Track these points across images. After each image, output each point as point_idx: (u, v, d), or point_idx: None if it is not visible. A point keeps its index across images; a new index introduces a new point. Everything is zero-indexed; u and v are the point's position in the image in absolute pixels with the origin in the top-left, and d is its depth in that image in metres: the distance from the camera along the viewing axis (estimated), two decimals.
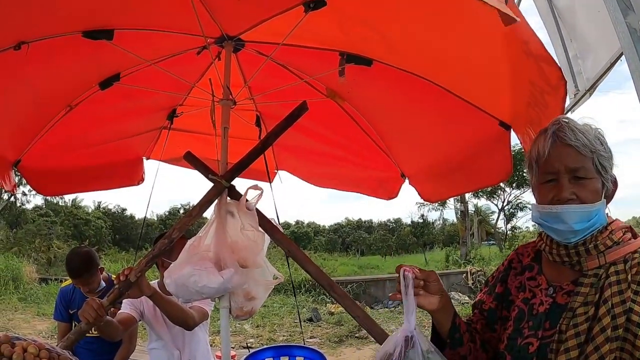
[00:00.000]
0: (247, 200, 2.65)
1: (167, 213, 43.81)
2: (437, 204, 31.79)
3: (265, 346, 3.95)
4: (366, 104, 3.47)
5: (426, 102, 3.03)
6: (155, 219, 43.02)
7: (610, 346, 1.37)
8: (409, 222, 43.51)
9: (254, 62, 2.95)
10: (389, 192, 4.39)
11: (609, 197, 1.59)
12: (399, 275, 1.61)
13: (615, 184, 1.60)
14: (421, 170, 3.88)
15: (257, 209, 2.68)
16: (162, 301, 2.75)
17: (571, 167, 1.51)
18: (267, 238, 2.75)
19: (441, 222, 42.26)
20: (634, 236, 1.57)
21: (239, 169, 2.68)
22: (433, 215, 40.09)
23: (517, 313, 1.66)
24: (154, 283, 3.36)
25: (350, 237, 50.62)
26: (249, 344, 8.59)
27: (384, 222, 55.12)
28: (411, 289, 1.57)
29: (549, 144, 1.54)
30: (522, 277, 1.74)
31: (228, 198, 2.68)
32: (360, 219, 55.82)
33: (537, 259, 1.74)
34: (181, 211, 43.34)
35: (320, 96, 3.32)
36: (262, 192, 2.66)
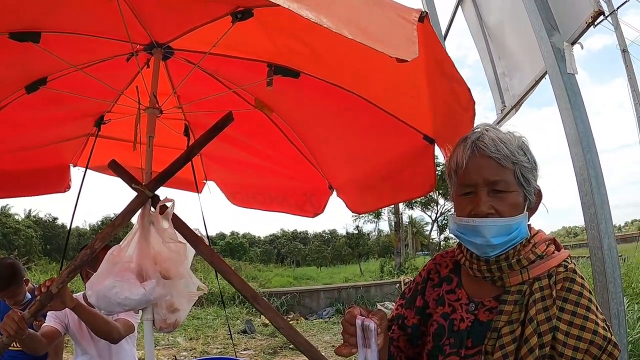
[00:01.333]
0: (163, 212, 2.60)
1: (99, 223, 42.34)
2: (371, 216, 32.17)
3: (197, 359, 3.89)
4: (294, 115, 3.49)
5: (353, 114, 3.07)
6: (88, 228, 41.48)
7: None
8: (344, 233, 43.75)
9: (183, 71, 2.92)
10: (315, 207, 4.39)
11: (532, 209, 1.53)
12: (356, 327, 1.36)
13: (539, 195, 1.53)
14: (349, 182, 3.92)
15: (180, 219, 2.64)
16: (85, 313, 2.68)
17: (490, 180, 1.43)
18: (191, 250, 2.72)
19: (376, 233, 42.76)
20: (558, 248, 1.53)
21: (163, 178, 2.63)
22: (368, 227, 40.45)
23: (437, 329, 1.58)
24: (78, 295, 3.26)
25: (286, 248, 50.42)
26: (181, 357, 8.41)
27: (320, 233, 55.22)
28: (375, 342, 1.35)
29: (468, 154, 1.46)
30: (439, 290, 1.65)
31: (152, 208, 2.63)
32: (295, 229, 55.70)
33: (456, 271, 1.66)
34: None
35: (249, 107, 3.31)
36: (173, 203, 2.60)
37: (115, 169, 2.68)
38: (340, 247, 45.24)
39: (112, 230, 2.56)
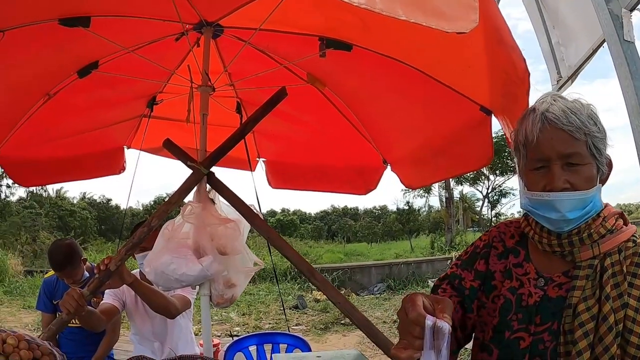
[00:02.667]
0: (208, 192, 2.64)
1: (152, 202, 43.44)
2: (421, 191, 31.82)
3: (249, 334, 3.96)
4: (347, 89, 3.46)
5: (407, 86, 3.01)
6: (141, 208, 42.53)
7: (617, 344, 1.28)
8: (394, 209, 43.48)
9: (234, 48, 2.93)
10: (368, 183, 4.36)
11: (603, 180, 1.45)
12: (425, 328, 1.09)
13: (610, 165, 1.46)
14: (404, 156, 3.87)
15: (236, 195, 2.67)
16: (143, 289, 2.70)
17: (564, 153, 1.36)
18: (247, 225, 2.74)
19: (426, 209, 42.30)
20: (625, 223, 1.46)
21: (218, 156, 2.66)
22: (418, 203, 40.12)
23: (504, 303, 1.49)
24: (135, 272, 3.34)
25: (336, 224, 50.50)
26: (234, 332, 8.59)
27: (370, 209, 55.04)
28: (447, 347, 1.08)
29: (538, 127, 1.37)
30: (506, 262, 1.56)
31: (207, 185, 2.66)
32: (346, 206, 55.71)
33: (522, 244, 1.57)
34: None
35: (301, 82, 3.29)
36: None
37: (170, 147, 2.73)
38: (391, 223, 44.99)
39: (169, 207, 2.62)
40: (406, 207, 39.28)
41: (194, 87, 2.75)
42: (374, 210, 55.01)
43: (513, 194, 30.08)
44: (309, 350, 3.56)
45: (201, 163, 2.60)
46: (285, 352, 3.65)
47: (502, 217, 30.78)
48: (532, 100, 1.79)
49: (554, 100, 1.39)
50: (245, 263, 2.74)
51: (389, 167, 4.15)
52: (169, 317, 3.01)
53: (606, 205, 1.48)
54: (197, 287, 2.70)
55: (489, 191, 30.06)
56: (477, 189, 30.83)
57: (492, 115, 2.81)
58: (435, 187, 30.03)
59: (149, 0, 2.47)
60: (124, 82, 3.21)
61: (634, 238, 1.41)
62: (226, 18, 2.68)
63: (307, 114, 3.85)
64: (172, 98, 3.51)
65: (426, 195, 33.62)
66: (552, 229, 1.43)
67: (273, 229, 2.80)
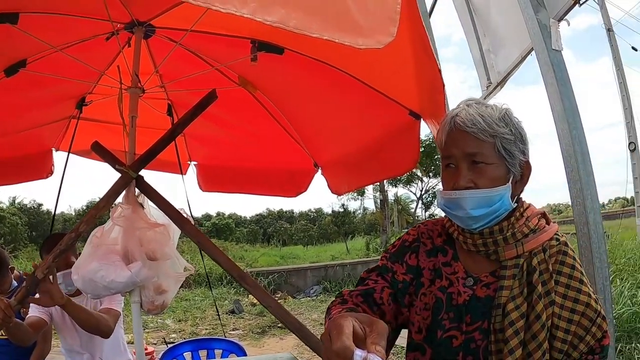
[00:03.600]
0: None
1: (85, 207, 41.87)
2: (356, 194, 32.17)
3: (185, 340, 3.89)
4: (278, 92, 3.45)
5: (339, 91, 3.04)
6: (73, 213, 41.04)
7: (547, 340, 1.35)
8: (329, 211, 43.79)
9: (166, 49, 2.86)
10: (298, 186, 4.37)
11: (521, 182, 1.50)
12: None
13: (527, 168, 1.49)
14: (333, 160, 3.91)
15: (165, 200, 2.61)
16: (76, 311, 2.59)
17: (467, 152, 1.41)
18: (178, 229, 2.69)
19: (361, 211, 42.81)
20: (548, 222, 1.52)
21: (147, 159, 2.60)
22: (353, 205, 40.49)
23: (435, 302, 1.50)
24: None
25: (272, 227, 50.43)
26: (171, 339, 8.41)
27: (305, 212, 55.26)
28: None
29: (447, 130, 1.45)
30: (435, 260, 1.57)
31: (136, 189, 2.59)
32: (281, 209, 55.67)
33: (450, 243, 1.59)
34: None
35: (232, 85, 3.26)
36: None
37: (98, 150, 2.65)
38: (326, 225, 45.30)
39: (97, 212, 2.53)
40: (341, 210, 39.60)
41: (123, 88, 2.67)
42: (310, 213, 55.26)
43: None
44: (244, 354, 3.54)
45: (130, 166, 2.53)
46: (221, 358, 3.61)
47: (435, 218, 31.48)
48: None
49: (467, 106, 1.45)
50: (175, 268, 2.68)
51: (320, 171, 4.17)
52: (103, 336, 2.88)
53: (529, 205, 1.54)
54: (126, 293, 2.62)
55: (423, 192, 30.70)
56: (411, 191, 31.42)
57: (421, 119, 2.88)
58: (370, 189, 30.40)
59: None
60: (53, 82, 3.06)
61: (557, 236, 1.47)
62: (158, 18, 2.63)
63: (238, 117, 3.82)
64: (101, 99, 3.40)
65: (361, 197, 34.02)
66: (462, 226, 1.48)
67: (203, 234, 2.76)
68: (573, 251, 1.46)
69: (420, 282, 1.55)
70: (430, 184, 30.01)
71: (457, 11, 5.42)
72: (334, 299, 1.60)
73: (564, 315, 1.35)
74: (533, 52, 3.80)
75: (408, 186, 30.40)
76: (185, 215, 2.69)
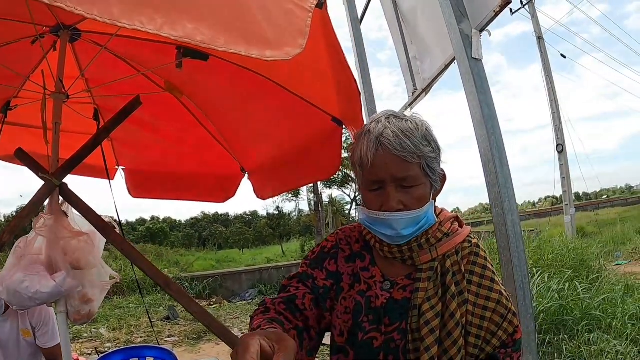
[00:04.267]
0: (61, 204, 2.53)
1: (14, 213, 39.88)
2: (291, 195, 32.25)
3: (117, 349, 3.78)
4: (204, 97, 3.46)
5: (263, 97, 3.06)
6: (3, 219, 39.07)
7: (462, 337, 1.41)
8: (264, 214, 43.77)
9: (92, 53, 2.81)
10: (227, 191, 4.38)
11: (437, 193, 1.53)
12: None
13: (444, 179, 1.54)
14: (260, 164, 3.93)
15: (89, 207, 2.57)
16: None
17: (397, 177, 1.41)
18: (102, 238, 2.65)
19: (296, 213, 42.97)
20: (460, 225, 1.59)
21: (71, 166, 2.54)
22: (289, 207, 40.68)
23: (355, 305, 1.54)
24: None
25: (207, 231, 49.92)
26: (105, 349, 8.17)
27: (241, 214, 55.03)
28: None
29: (373, 152, 1.41)
30: (354, 265, 1.62)
31: (60, 197, 2.53)
32: (216, 212, 55.24)
33: (367, 249, 1.64)
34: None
35: (159, 89, 3.24)
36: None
37: (22, 157, 2.57)
38: (262, 228, 45.25)
39: (20, 222, 2.46)
40: (276, 212, 39.64)
41: (47, 94, 2.60)
42: (245, 216, 55.02)
43: None
44: None
45: (53, 174, 2.46)
46: None
47: None
48: None
49: (388, 122, 1.43)
50: (100, 277, 2.64)
51: (247, 175, 4.20)
52: None
53: (442, 210, 1.62)
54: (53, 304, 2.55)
55: (357, 194, 31.00)
56: (345, 193, 31.74)
57: (343, 125, 2.95)
58: (304, 191, 30.53)
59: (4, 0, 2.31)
60: None
61: (469, 239, 1.54)
62: (84, 22, 2.59)
63: (165, 122, 3.79)
64: (26, 104, 3.28)
65: (296, 199, 34.08)
66: (389, 242, 1.51)
67: (127, 241, 2.71)
68: (485, 252, 1.53)
69: (340, 286, 1.60)
70: None
71: (386, 18, 5.54)
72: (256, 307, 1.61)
73: (477, 313, 1.43)
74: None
75: (342, 188, 30.71)
76: (109, 223, 2.64)
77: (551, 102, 18.43)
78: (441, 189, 1.55)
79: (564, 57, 21.22)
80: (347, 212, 35.15)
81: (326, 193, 32.09)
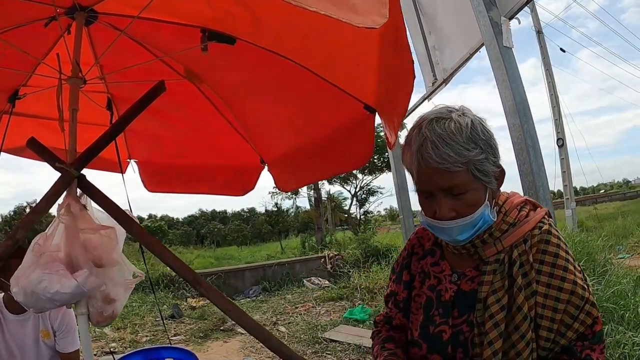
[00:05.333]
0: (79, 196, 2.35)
1: (12, 213, 39.45)
2: (289, 192, 32.16)
3: (131, 350, 3.62)
4: (227, 86, 3.28)
5: (290, 84, 2.93)
6: (0, 219, 38.73)
7: (531, 330, 1.38)
8: (263, 211, 43.75)
9: (108, 38, 2.63)
10: (245, 184, 4.23)
11: (498, 187, 1.49)
12: None
13: (501, 174, 1.48)
14: (281, 156, 3.78)
15: (110, 200, 2.39)
16: None
17: (443, 187, 1.39)
18: (122, 233, 2.47)
19: (294, 209, 42.92)
20: (534, 208, 1.56)
21: (89, 156, 2.37)
22: (286, 204, 40.56)
23: (426, 300, 1.62)
24: None
25: (205, 228, 49.90)
26: (111, 349, 7.99)
27: (238, 212, 55.10)
28: None
29: (415, 164, 1.40)
30: (424, 262, 1.69)
31: (78, 190, 2.36)
32: (214, 209, 55.28)
33: (437, 244, 1.69)
34: (28, 209, 39.18)
35: (178, 77, 3.07)
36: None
37: (35, 147, 2.40)
38: (260, 225, 45.25)
39: (35, 216, 2.28)
40: (275, 209, 39.54)
41: (63, 78, 2.42)
42: (243, 213, 55.09)
43: (380, 193, 31.26)
44: None
45: (71, 164, 2.29)
46: None
47: (370, 215, 31.81)
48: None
49: (428, 131, 1.38)
50: (124, 275, 2.45)
51: (266, 167, 4.05)
52: None
53: (508, 197, 1.57)
54: (73, 305, 2.37)
55: (357, 190, 30.93)
56: (346, 188, 31.62)
57: (376, 113, 2.79)
58: (303, 188, 30.43)
59: None
60: None
61: (540, 224, 1.48)
62: (102, 3, 2.41)
63: (183, 112, 3.62)
64: (36, 92, 3.09)
65: (294, 196, 34.00)
66: (450, 243, 1.52)
67: (152, 236, 2.55)
68: (558, 237, 1.47)
69: (413, 286, 1.71)
70: (365, 181, 30.28)
71: (403, 9, 5.45)
72: (373, 329, 1.91)
73: (549, 304, 1.39)
74: (482, 49, 3.86)
75: (343, 184, 30.58)
76: (131, 217, 2.48)
77: (551, 96, 18.46)
78: (501, 183, 1.51)
79: (564, 51, 21.17)
80: (345, 207, 35.10)
81: (325, 189, 32.00)
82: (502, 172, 1.48)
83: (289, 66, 2.69)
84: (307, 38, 2.47)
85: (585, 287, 1.41)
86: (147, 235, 2.41)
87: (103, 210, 2.43)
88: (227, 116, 3.58)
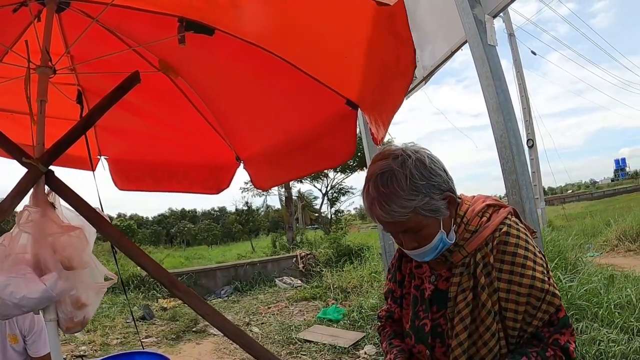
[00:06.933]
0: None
1: None
2: (259, 190, 31.95)
3: (102, 354, 3.46)
4: (203, 79, 3.14)
5: (269, 78, 2.84)
6: None
7: (495, 323, 1.57)
8: (233, 209, 43.48)
9: (79, 26, 2.47)
10: (220, 182, 4.10)
11: (451, 210, 1.66)
12: None
13: (450, 200, 1.64)
14: (258, 153, 3.68)
15: (79, 197, 2.24)
16: None
17: (400, 231, 1.63)
18: (92, 233, 2.31)
19: (264, 208, 42.74)
20: (499, 209, 1.73)
21: (58, 150, 2.19)
22: (257, 202, 40.40)
23: (412, 298, 1.84)
24: None
25: (175, 227, 49.41)
26: (81, 352, 7.75)
27: (208, 210, 54.78)
28: None
29: (371, 217, 1.64)
30: (411, 265, 1.89)
31: (46, 187, 2.20)
32: (184, 208, 54.80)
33: None
34: None
35: (152, 69, 2.92)
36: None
37: (0, 141, 2.22)
38: (230, 224, 45.02)
39: (1, 216, 2.11)
40: (245, 208, 39.30)
41: (31, 67, 2.26)
42: (213, 212, 54.82)
43: (352, 192, 31.23)
44: None
45: (39, 159, 2.13)
46: None
47: (340, 214, 31.75)
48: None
49: (375, 192, 1.57)
50: (95, 278, 2.28)
51: (242, 165, 3.93)
52: None
53: (469, 206, 1.73)
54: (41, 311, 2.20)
55: (329, 189, 30.86)
56: (317, 187, 31.52)
57: (359, 109, 2.73)
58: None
59: None
60: None
61: (501, 227, 1.66)
62: None
63: (156, 106, 3.46)
64: (2, 82, 2.90)
65: (265, 194, 33.84)
66: None
67: (125, 236, 2.39)
68: (517, 235, 1.64)
69: (404, 285, 1.93)
70: (337, 180, 30.22)
71: None
72: (377, 323, 2.18)
73: (512, 299, 1.56)
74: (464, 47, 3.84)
75: (314, 182, 30.48)
76: (103, 216, 2.32)
77: (522, 97, 18.82)
78: (453, 206, 1.68)
79: (534, 54, 21.48)
80: (316, 206, 35.01)
81: (296, 187, 31.87)
82: (451, 198, 1.64)
83: (269, 59, 2.59)
84: (289, 30, 2.38)
85: (545, 279, 1.57)
86: (120, 235, 2.25)
87: (72, 209, 2.26)
88: (203, 111, 3.45)
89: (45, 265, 2.02)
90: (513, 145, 3.34)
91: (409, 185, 1.54)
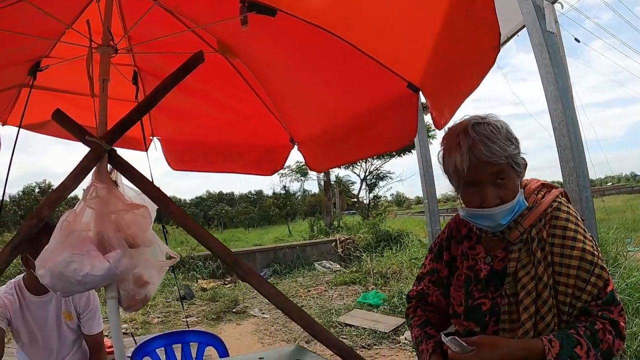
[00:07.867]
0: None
1: (20, 193, 39.11)
2: (298, 174, 31.98)
3: (143, 332, 3.51)
4: (261, 61, 3.12)
5: (329, 60, 2.79)
6: (8, 199, 38.47)
7: (551, 297, 1.62)
8: (270, 193, 43.66)
9: (136, 7, 2.48)
10: (274, 164, 4.12)
11: (522, 179, 1.75)
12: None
13: (525, 167, 1.73)
14: (315, 135, 3.63)
15: (144, 177, 2.24)
16: None
17: (492, 173, 1.63)
18: (152, 211, 2.32)
19: (301, 193, 42.77)
20: (550, 189, 1.80)
21: (121, 129, 2.20)
22: (294, 187, 40.40)
23: (465, 279, 1.87)
24: (18, 279, 2.89)
25: (212, 210, 49.90)
26: (123, 330, 7.91)
27: (246, 194, 55.09)
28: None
29: (467, 161, 1.62)
30: (462, 246, 1.92)
31: (108, 165, 2.21)
32: (221, 191, 55.25)
33: (473, 230, 1.88)
34: (37, 190, 39.02)
35: (210, 50, 2.91)
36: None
37: (62, 120, 2.24)
38: (267, 207, 45.17)
39: (63, 193, 2.12)
40: (283, 192, 39.41)
41: (93, 46, 2.26)
42: (250, 195, 55.01)
43: (390, 177, 30.96)
44: (223, 346, 3.23)
45: (102, 137, 2.14)
46: (197, 351, 3.28)
47: (379, 200, 31.60)
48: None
49: (475, 133, 1.63)
50: (157, 256, 2.30)
51: (296, 147, 3.90)
52: None
53: (526, 184, 1.82)
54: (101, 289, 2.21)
55: (367, 174, 30.67)
56: (355, 172, 31.33)
57: (420, 93, 2.66)
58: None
59: None
60: (3, 41, 2.59)
61: (553, 203, 1.73)
62: None
63: (213, 88, 3.46)
64: (60, 63, 2.91)
65: (303, 179, 33.83)
66: (491, 231, 1.75)
67: (188, 215, 2.39)
68: (567, 211, 1.72)
69: (455, 265, 1.94)
70: (374, 165, 30.00)
71: None
72: (407, 305, 2.20)
73: (563, 272, 1.62)
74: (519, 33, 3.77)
75: (352, 167, 30.31)
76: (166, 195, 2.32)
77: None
78: (524, 173, 1.75)
79: (578, 41, 20.65)
80: (354, 192, 34.90)
81: (333, 173, 31.77)
82: (526, 164, 1.73)
83: (330, 42, 2.53)
84: (354, 11, 2.31)
85: (595, 253, 1.62)
86: (184, 215, 2.26)
87: (134, 187, 2.28)
88: (259, 93, 3.43)
89: (109, 242, 2.04)
90: (571, 134, 3.31)
91: (505, 134, 1.64)
